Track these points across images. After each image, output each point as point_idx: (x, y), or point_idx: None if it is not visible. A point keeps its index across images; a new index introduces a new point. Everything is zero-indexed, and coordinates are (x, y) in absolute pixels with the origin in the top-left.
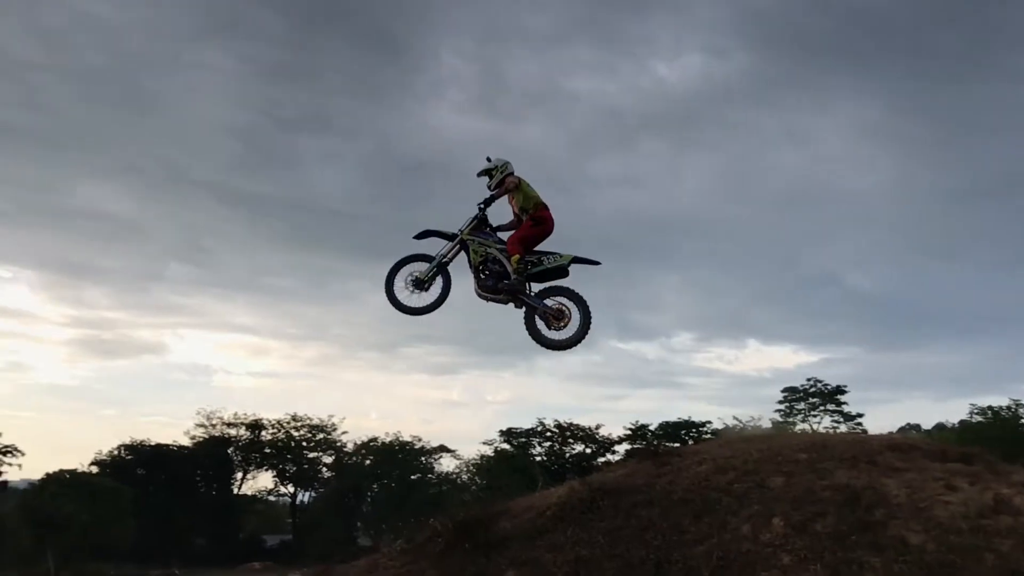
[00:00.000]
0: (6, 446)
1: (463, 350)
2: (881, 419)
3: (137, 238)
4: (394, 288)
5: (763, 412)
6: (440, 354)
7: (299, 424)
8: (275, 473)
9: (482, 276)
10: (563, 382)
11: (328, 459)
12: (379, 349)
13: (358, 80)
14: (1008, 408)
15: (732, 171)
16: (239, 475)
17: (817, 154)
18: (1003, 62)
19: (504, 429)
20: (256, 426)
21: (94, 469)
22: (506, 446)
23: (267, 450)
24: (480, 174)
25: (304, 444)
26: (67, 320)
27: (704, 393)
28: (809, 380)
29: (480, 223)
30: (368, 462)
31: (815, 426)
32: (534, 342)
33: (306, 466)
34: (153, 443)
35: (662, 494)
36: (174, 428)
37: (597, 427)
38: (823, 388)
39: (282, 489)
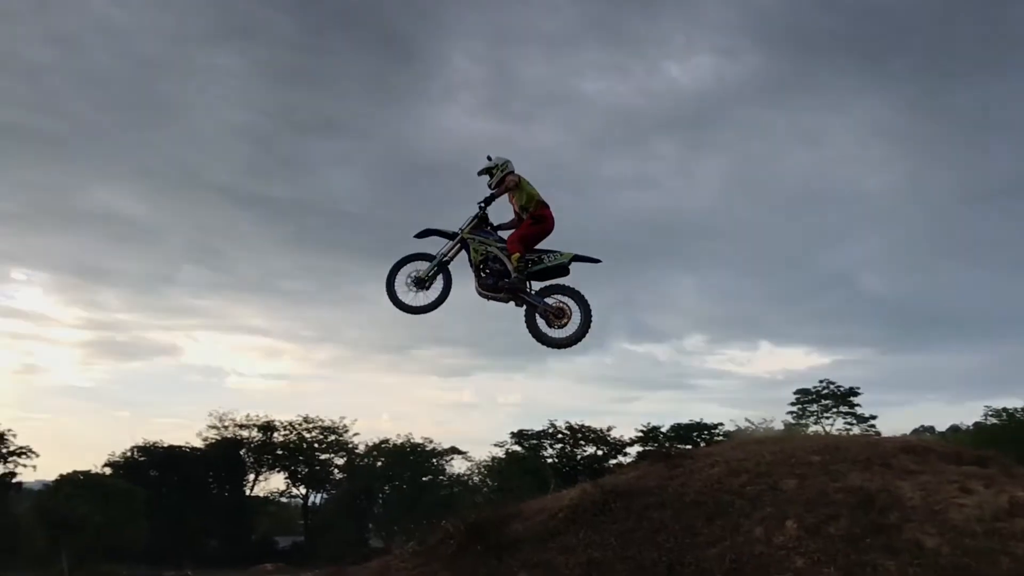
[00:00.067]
0: (21, 448)
1: (475, 352)
2: (895, 421)
3: (151, 241)
4: (395, 287)
5: (775, 414)
6: (452, 356)
7: (311, 426)
8: (287, 475)
9: (483, 275)
10: (575, 384)
11: (340, 461)
12: (391, 351)
13: (371, 83)
14: (1023, 410)
15: (744, 172)
16: (251, 477)
17: (829, 155)
18: (1019, 59)
19: (516, 431)
20: (268, 428)
21: (108, 471)
22: (518, 448)
23: (279, 452)
24: (480, 173)
25: (316, 446)
26: (81, 322)
27: (716, 395)
28: (822, 382)
29: (480, 222)
30: (380, 464)
31: (828, 428)
32: (536, 341)
33: (318, 468)
34: (166, 445)
35: (674, 496)
36: (187, 430)
37: (609, 429)
38: (836, 390)
39: (294, 491)
